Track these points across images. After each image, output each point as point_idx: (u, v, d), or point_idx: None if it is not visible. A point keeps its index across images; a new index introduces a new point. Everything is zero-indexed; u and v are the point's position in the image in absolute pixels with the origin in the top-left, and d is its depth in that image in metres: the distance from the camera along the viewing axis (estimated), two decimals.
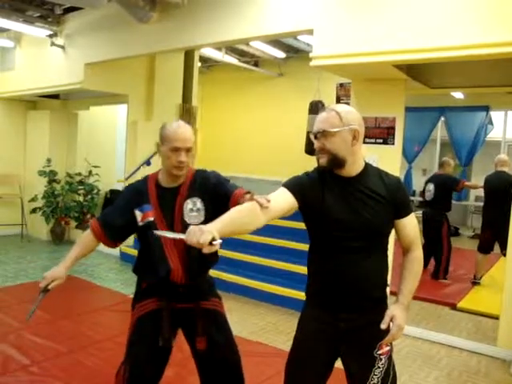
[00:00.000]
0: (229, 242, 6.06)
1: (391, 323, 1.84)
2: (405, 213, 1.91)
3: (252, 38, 5.36)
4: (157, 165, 2.50)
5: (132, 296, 2.44)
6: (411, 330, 4.51)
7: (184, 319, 2.35)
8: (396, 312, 1.85)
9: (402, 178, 7.89)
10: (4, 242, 7.76)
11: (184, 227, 2.09)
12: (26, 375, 3.33)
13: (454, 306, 5.25)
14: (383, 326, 1.83)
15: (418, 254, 1.94)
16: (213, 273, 5.83)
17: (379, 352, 1.90)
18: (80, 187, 8.12)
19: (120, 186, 7.94)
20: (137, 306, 2.36)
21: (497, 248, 5.97)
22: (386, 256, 2.00)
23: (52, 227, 7.94)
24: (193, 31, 5.02)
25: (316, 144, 1.90)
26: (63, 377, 3.31)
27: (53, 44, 6.66)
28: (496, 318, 4.31)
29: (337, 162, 1.87)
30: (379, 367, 1.91)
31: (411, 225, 1.93)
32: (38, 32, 6.62)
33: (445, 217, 6.28)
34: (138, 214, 2.30)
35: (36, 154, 8.24)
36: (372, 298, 1.93)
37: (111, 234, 2.34)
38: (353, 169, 1.90)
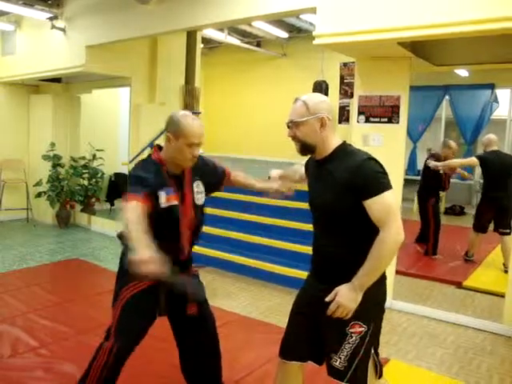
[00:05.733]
0: (236, 224, 6.13)
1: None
2: (366, 195, 1.89)
3: (254, 18, 5.30)
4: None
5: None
6: (417, 309, 4.52)
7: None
8: (341, 289, 1.92)
9: (407, 157, 7.85)
10: (10, 226, 7.81)
11: (195, 208, 2.41)
12: (35, 357, 3.37)
13: (459, 285, 5.25)
14: (327, 298, 1.95)
15: (383, 236, 1.87)
16: (220, 254, 5.83)
17: (351, 330, 1.99)
18: (84, 171, 8.14)
19: (125, 169, 7.94)
20: (131, 284, 2.41)
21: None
22: (353, 237, 2.00)
23: (57, 211, 7.96)
24: (194, 11, 4.97)
25: (288, 133, 2.09)
26: (71, 358, 3.34)
27: (53, 27, 6.60)
28: (502, 295, 4.32)
29: (307, 148, 2.07)
30: (349, 343, 1.99)
31: (375, 207, 1.88)
32: (38, 15, 6.57)
33: (431, 194, 6.31)
34: (163, 196, 2.29)
35: (39, 139, 8.23)
36: (335, 274, 2.00)
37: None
38: (322, 153, 2.06)
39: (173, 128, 2.30)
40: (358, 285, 1.90)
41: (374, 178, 1.91)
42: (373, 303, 2.01)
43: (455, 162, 6.12)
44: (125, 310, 2.42)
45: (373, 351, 2.08)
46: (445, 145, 6.27)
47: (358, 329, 1.98)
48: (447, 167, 6.06)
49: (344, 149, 2.05)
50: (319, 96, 2.12)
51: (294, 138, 2.07)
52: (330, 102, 2.09)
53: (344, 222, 1.99)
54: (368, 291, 1.95)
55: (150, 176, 2.27)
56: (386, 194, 1.89)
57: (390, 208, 1.89)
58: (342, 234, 2.00)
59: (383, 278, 2.06)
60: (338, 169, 1.96)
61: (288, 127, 2.08)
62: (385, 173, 1.95)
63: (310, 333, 2.14)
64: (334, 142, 2.04)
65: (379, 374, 2.14)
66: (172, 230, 2.35)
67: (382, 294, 2.08)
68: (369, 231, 1.97)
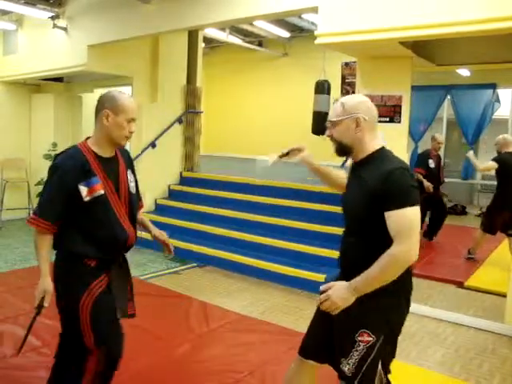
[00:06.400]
0: (238, 223, 6.12)
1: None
2: (387, 206, 1.82)
3: (255, 17, 5.31)
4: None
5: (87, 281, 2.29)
6: (418, 309, 4.52)
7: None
8: (336, 284, 1.92)
9: (409, 157, 7.85)
10: (12, 225, 7.81)
11: (129, 196, 2.33)
12: (37, 356, 3.39)
13: (461, 284, 5.25)
14: (321, 287, 1.95)
15: (392, 250, 1.81)
16: (222, 254, 5.81)
17: (359, 338, 1.92)
18: None
19: None
20: (90, 287, 2.26)
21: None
22: (377, 244, 1.89)
23: None
24: (195, 11, 4.97)
25: (327, 133, 2.09)
26: None
27: (55, 26, 6.61)
28: (503, 295, 4.31)
29: (343, 148, 2.03)
30: (357, 351, 1.93)
31: (393, 219, 1.81)
32: (39, 14, 6.57)
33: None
34: (84, 189, 2.18)
35: (41, 138, 8.24)
36: (351, 277, 1.92)
37: (59, 221, 2.25)
38: (358, 155, 2.02)
39: (111, 104, 2.23)
40: (354, 287, 1.86)
41: (399, 190, 1.83)
42: (383, 317, 1.93)
43: (480, 169, 6.38)
44: (95, 317, 2.28)
45: (380, 367, 1.97)
46: (432, 139, 6.82)
47: (366, 338, 1.91)
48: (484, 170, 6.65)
49: (381, 154, 1.98)
50: (359, 97, 2.10)
51: (331, 137, 2.04)
52: (372, 104, 2.03)
53: (370, 229, 1.93)
54: (381, 303, 1.91)
55: (68, 167, 2.19)
56: (409, 210, 1.81)
57: (408, 224, 1.80)
58: (367, 240, 1.95)
59: (401, 297, 1.97)
60: (371, 175, 1.90)
61: (327, 127, 2.08)
62: (415, 187, 1.87)
63: (327, 333, 2.08)
64: (371, 145, 1.99)
65: None
66: (107, 217, 2.24)
67: (395, 314, 1.98)
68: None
